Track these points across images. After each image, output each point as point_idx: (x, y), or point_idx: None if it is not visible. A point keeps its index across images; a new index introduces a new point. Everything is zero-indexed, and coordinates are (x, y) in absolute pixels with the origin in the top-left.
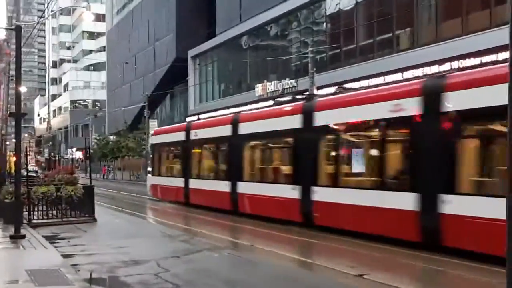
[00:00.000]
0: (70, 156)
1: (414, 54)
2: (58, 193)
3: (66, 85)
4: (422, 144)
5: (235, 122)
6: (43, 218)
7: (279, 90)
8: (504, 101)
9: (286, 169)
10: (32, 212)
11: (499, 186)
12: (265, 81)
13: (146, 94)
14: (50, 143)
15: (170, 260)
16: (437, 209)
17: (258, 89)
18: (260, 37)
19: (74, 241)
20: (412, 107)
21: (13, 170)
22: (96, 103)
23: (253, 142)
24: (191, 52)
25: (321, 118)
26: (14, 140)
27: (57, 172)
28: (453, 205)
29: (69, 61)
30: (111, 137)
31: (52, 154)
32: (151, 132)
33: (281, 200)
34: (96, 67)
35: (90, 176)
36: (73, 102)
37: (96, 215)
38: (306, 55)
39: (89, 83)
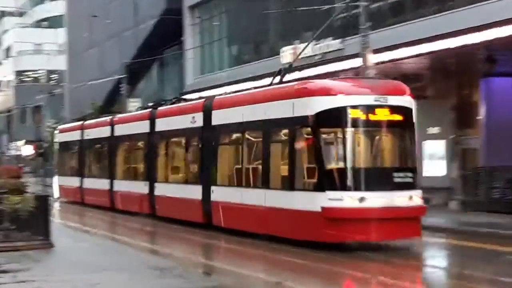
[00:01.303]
0: (15, 152)
1: None
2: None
3: (8, 49)
4: (203, 149)
5: (112, 123)
6: None
7: (318, 54)
8: (236, 119)
9: (141, 167)
10: None
11: (235, 179)
12: (296, 42)
13: (124, 62)
14: None
15: None
16: (209, 197)
17: (285, 54)
18: None
19: (22, 275)
20: (199, 120)
21: None
22: (52, 75)
23: (122, 143)
24: (189, 1)
25: (158, 125)
26: None
27: None
28: (214, 194)
29: (11, 13)
30: None
31: None
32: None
33: (138, 195)
34: (52, 22)
35: (45, 181)
36: (18, 73)
37: (53, 237)
38: (357, 3)
39: (41, 46)
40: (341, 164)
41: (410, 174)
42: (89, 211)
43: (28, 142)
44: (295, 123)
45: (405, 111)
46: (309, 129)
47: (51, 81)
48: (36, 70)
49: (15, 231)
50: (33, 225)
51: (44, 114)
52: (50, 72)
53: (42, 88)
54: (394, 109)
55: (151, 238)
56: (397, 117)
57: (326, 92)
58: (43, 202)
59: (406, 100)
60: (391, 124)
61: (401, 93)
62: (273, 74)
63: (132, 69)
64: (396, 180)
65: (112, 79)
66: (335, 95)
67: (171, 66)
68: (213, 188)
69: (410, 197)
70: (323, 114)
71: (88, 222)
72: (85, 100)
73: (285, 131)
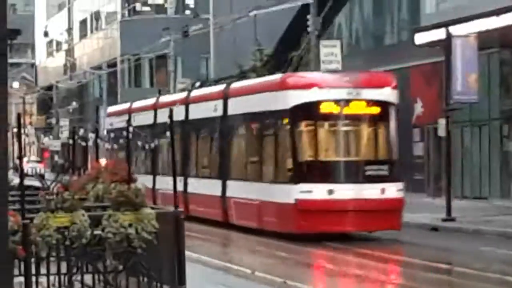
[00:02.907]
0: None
1: None
2: (97, 232)
3: None
4: (220, 140)
5: (187, 101)
6: None
7: None
8: (239, 110)
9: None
10: (35, 278)
11: (253, 172)
12: None
13: None
14: (74, 103)
15: None
16: (225, 193)
17: None
18: None
19: None
20: (219, 108)
21: None
22: (187, 2)
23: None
24: None
25: (189, 111)
26: None
27: (92, 177)
28: (229, 189)
29: None
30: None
31: (79, 131)
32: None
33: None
34: None
35: (175, 186)
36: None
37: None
38: None
39: None
40: (312, 158)
41: (384, 167)
42: (200, 228)
43: None
44: (277, 116)
45: (381, 104)
46: (286, 122)
47: (185, 12)
48: None
49: (123, 275)
50: (155, 265)
51: (172, 70)
52: None
53: (169, 25)
54: (368, 102)
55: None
56: (372, 110)
57: (301, 85)
58: (172, 224)
59: (385, 93)
60: (364, 118)
61: (379, 85)
62: None
63: None
64: (368, 173)
65: (290, 7)
66: (309, 88)
67: None
68: (227, 182)
69: (383, 190)
70: (297, 108)
71: (218, 250)
72: (243, 45)
73: (272, 124)
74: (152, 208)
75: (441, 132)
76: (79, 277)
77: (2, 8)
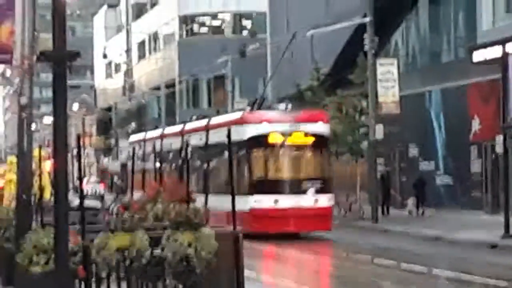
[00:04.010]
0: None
1: None
2: (157, 251)
3: None
4: (206, 163)
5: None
6: None
7: None
8: (215, 140)
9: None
10: None
11: (224, 188)
12: None
13: None
14: (133, 124)
15: None
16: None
17: None
18: None
19: None
20: (203, 138)
21: (47, 195)
22: (244, 23)
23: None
24: None
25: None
26: (48, 122)
27: (151, 197)
28: (209, 201)
29: None
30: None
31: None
32: (385, 93)
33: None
34: None
35: (233, 206)
36: (186, 20)
37: None
38: None
39: None
40: (262, 176)
41: (317, 183)
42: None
43: None
44: (238, 145)
45: (315, 134)
46: (244, 149)
47: (242, 33)
48: (216, 14)
49: None
50: (214, 284)
51: (230, 90)
52: (240, 16)
53: (226, 44)
54: (305, 133)
55: None
56: (308, 139)
57: (254, 121)
58: (231, 244)
59: (318, 126)
60: (302, 145)
61: (314, 120)
62: None
63: (384, 10)
64: (304, 187)
65: (347, 26)
66: (260, 123)
67: (451, 3)
68: (208, 196)
69: (316, 200)
70: (252, 138)
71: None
72: (301, 64)
73: (235, 151)
74: (216, 227)
75: (499, 149)
76: None
77: (61, 31)
